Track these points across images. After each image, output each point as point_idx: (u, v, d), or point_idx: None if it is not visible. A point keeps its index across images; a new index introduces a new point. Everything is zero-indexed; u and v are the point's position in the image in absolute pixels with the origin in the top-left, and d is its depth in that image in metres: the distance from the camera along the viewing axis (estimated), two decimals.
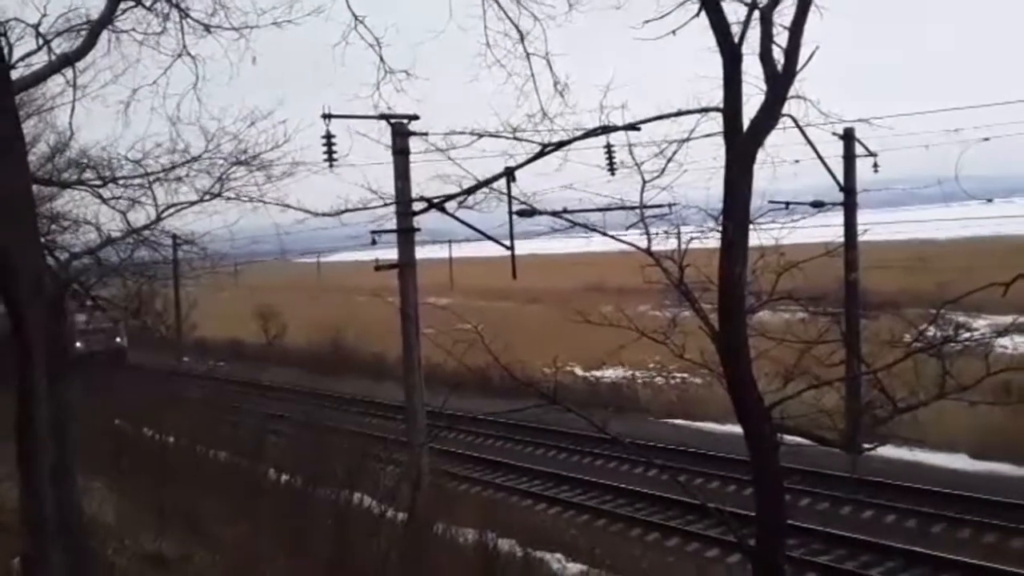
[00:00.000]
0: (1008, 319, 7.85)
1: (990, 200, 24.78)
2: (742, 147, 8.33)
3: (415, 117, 16.54)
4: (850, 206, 22.86)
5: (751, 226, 8.82)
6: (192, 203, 15.05)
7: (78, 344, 37.02)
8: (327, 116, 16.07)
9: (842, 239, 21.86)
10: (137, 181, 14.66)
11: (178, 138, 13.69)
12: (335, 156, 16.55)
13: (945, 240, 56.40)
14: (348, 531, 10.16)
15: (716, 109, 8.50)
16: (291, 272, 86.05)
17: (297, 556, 10.14)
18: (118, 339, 40.01)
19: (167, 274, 27.49)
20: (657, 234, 9.31)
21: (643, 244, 9.33)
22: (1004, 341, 11.73)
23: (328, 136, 16.47)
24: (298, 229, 22.91)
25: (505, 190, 15.05)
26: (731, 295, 8.46)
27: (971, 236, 55.90)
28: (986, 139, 22.78)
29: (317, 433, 15.29)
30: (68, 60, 9.77)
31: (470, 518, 13.42)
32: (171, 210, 15.05)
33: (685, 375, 29.50)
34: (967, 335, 8.16)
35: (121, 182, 14.78)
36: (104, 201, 15.16)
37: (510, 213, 15.44)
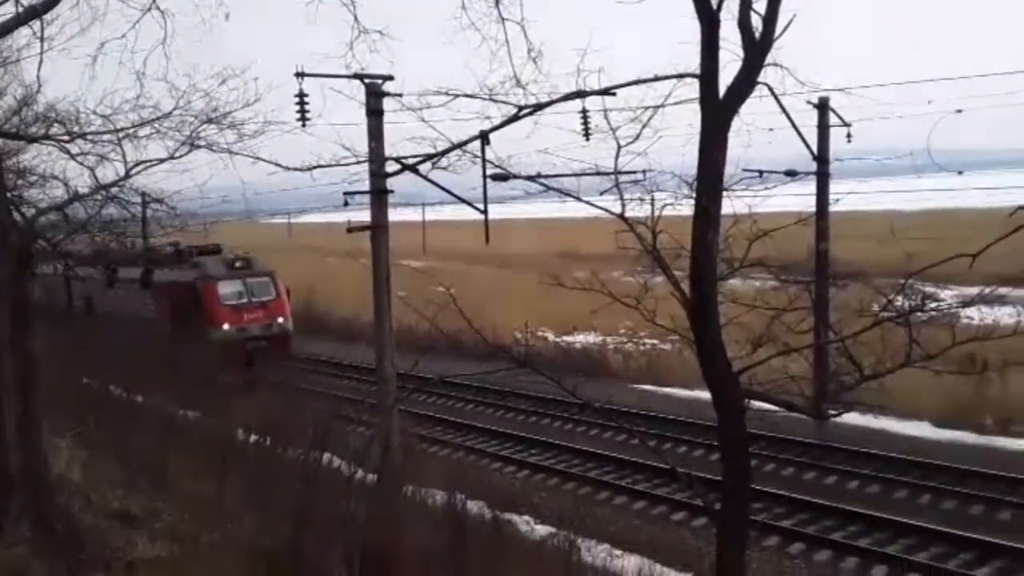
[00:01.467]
0: (974, 290, 7.92)
1: (960, 172, 24.98)
2: (717, 114, 8.31)
3: (389, 78, 16.37)
4: (823, 176, 22.98)
5: (725, 194, 8.86)
6: (162, 160, 14.82)
7: (225, 327, 27.48)
8: (300, 75, 15.86)
9: (814, 208, 22.03)
10: (106, 137, 14.39)
11: (146, 94, 13.45)
12: (308, 116, 16.36)
13: (916, 211, 56.82)
14: (316, 491, 10.18)
15: (692, 75, 8.44)
16: (261, 232, 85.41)
17: (264, 513, 10.15)
18: (280, 319, 28.70)
19: (136, 232, 27.23)
20: (631, 200, 9.29)
21: (617, 210, 9.32)
22: (970, 312, 11.84)
23: (301, 95, 16.27)
24: (268, 188, 22.71)
25: (479, 153, 14.95)
26: (703, 261, 8.48)
27: (941, 208, 56.36)
28: (959, 111, 22.94)
29: (287, 394, 15.27)
30: (35, 12, 9.56)
31: (440, 480, 13.49)
32: (140, 167, 14.80)
33: (655, 341, 29.69)
34: (934, 305, 8.24)
35: (90, 138, 14.50)
36: (72, 156, 14.88)
37: (484, 177, 15.34)
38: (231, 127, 14.61)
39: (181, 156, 14.56)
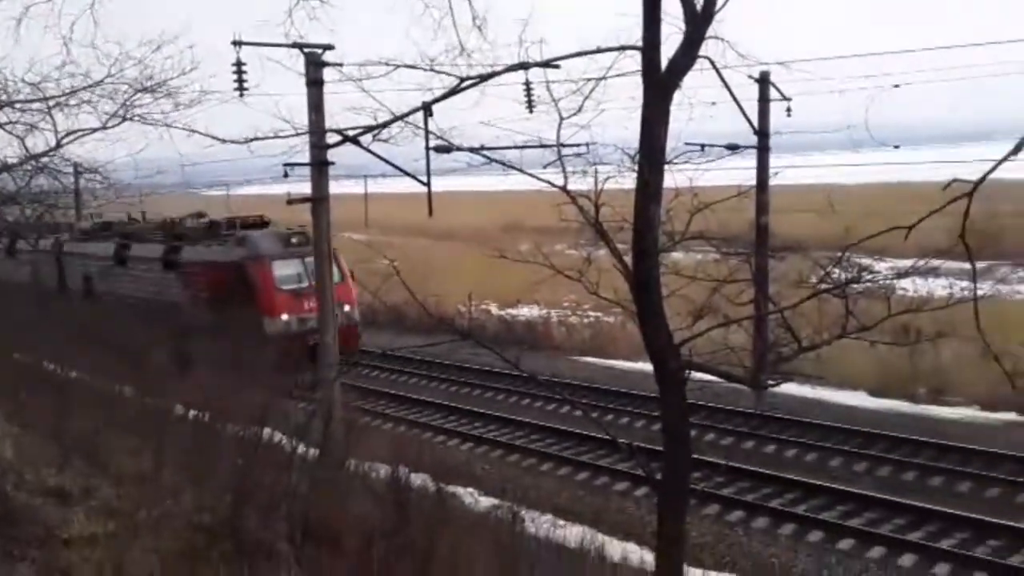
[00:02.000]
0: (909, 262, 8.07)
1: (897, 146, 25.41)
2: (659, 87, 8.31)
3: (330, 47, 16.10)
4: (763, 149, 23.20)
5: (667, 167, 8.89)
6: (94, 130, 14.46)
7: (284, 317, 22.61)
8: (237, 43, 15.50)
9: (755, 182, 22.26)
10: (35, 106, 13.99)
11: (76, 62, 13.06)
12: (246, 85, 16.03)
13: (854, 185, 57.76)
14: (257, 465, 10.07)
15: (634, 47, 8.44)
16: (199, 204, 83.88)
17: (203, 489, 10.02)
18: (347, 307, 23.30)
19: (68, 203, 26.52)
20: (574, 172, 9.29)
21: (560, 182, 9.31)
22: (905, 283, 12.10)
23: (239, 64, 15.90)
24: (205, 159, 22.21)
25: (422, 125, 14.80)
26: (645, 234, 8.52)
27: (879, 181, 57.32)
28: (896, 86, 23.31)
29: (227, 369, 15.04)
30: None
31: (382, 453, 13.44)
32: (72, 137, 14.44)
33: (599, 314, 29.87)
34: (869, 277, 8.37)
35: (18, 106, 14.09)
36: (0, 126, 14.44)
37: (427, 148, 15.20)
38: (167, 96, 14.30)
39: (114, 126, 14.21)
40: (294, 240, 23.63)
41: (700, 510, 14.73)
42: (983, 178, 6.61)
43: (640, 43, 8.39)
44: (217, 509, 9.37)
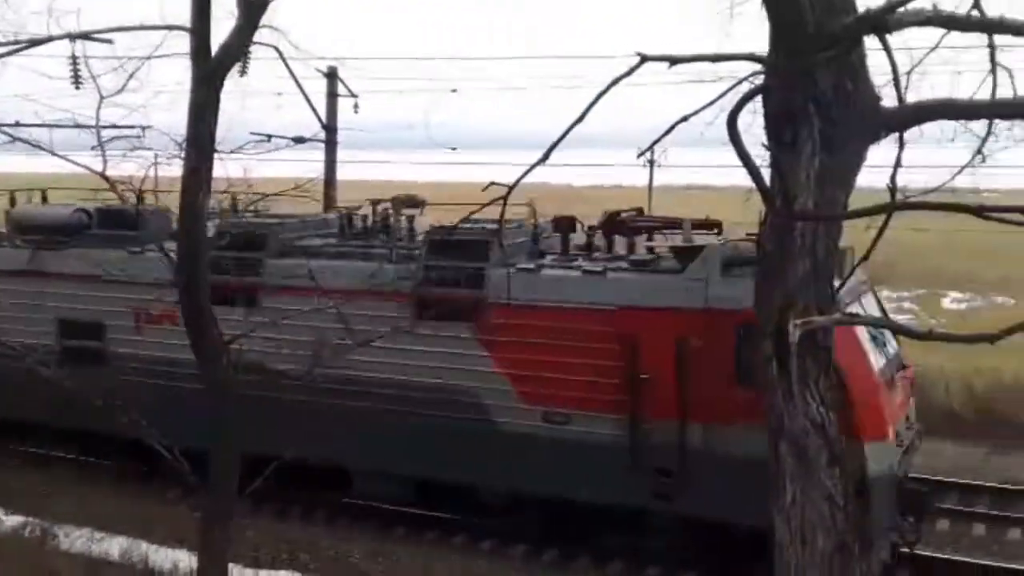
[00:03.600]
0: None
1: (454, 148, 26.96)
2: (210, 71, 7.97)
3: None
4: (331, 143, 23.41)
5: (221, 155, 8.57)
6: None
7: (889, 439, 11.07)
8: None
9: (322, 176, 22.41)
10: None
11: None
12: None
13: (423, 183, 60.33)
14: None
15: (184, 28, 8.01)
16: None
17: None
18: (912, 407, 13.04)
19: None
20: (114, 156, 8.63)
21: (99, 167, 8.63)
22: None
23: None
24: None
25: None
26: (193, 224, 8.14)
27: (442, 181, 60.45)
28: (454, 90, 24.74)
29: None
30: None
31: None
32: None
33: None
34: None
35: None
36: None
37: None
38: None
39: None
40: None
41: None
42: (517, 181, 7.17)
43: (190, 24, 8.02)
44: None
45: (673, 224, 12.94)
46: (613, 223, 13.44)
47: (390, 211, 14.60)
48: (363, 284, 12.13)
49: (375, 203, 15.08)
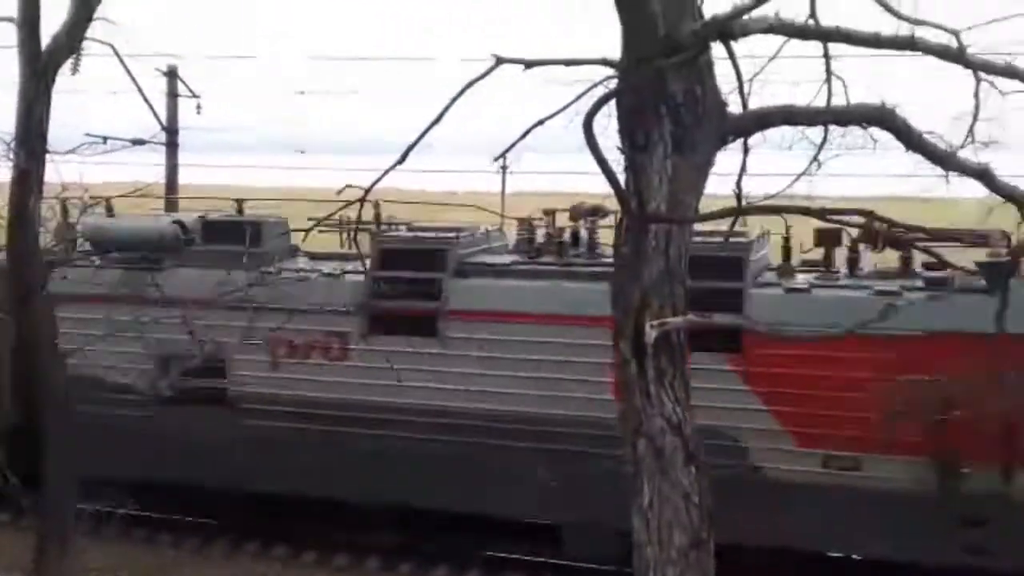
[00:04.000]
0: None
1: (303, 152, 26.57)
2: (39, 64, 7.57)
3: None
4: (172, 146, 22.58)
5: (51, 156, 8.17)
6: None
7: None
8: None
9: (162, 180, 21.59)
10: None
11: None
12: None
13: (267, 188, 58.93)
14: None
15: (8, 19, 7.58)
16: None
17: None
18: None
19: None
20: None
21: None
22: None
23: None
24: None
25: None
26: (23, 228, 7.72)
27: (289, 185, 59.25)
28: (301, 93, 24.39)
29: None
30: None
31: None
32: None
33: None
34: None
35: None
36: None
37: None
38: None
39: None
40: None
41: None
42: (373, 184, 7.09)
43: (16, 15, 7.62)
44: None
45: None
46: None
47: (584, 224, 12.65)
48: (577, 309, 10.53)
49: (549, 213, 13.11)
